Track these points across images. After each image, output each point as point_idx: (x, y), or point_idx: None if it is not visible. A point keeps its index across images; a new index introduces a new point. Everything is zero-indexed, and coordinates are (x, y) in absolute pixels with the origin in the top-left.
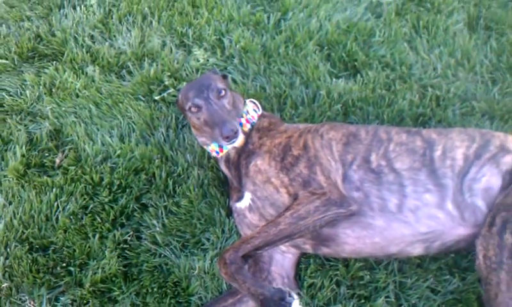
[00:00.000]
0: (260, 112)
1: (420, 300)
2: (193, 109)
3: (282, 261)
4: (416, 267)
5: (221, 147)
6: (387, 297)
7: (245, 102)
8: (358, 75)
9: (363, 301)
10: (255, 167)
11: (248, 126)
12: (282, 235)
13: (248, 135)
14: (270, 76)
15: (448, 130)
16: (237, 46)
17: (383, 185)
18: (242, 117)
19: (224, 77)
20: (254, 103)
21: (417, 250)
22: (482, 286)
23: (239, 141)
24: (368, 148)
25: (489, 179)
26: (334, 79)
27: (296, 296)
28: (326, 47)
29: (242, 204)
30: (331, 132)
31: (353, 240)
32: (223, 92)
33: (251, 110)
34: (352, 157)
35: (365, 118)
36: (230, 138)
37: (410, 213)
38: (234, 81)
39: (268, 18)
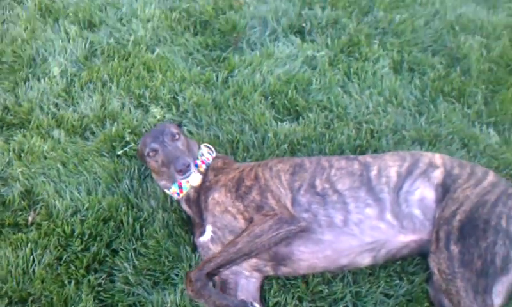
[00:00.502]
0: (214, 154)
1: (375, 306)
2: (151, 154)
3: (247, 285)
4: (369, 276)
5: (180, 188)
6: (345, 306)
7: (200, 146)
8: (300, 118)
9: None
10: (213, 201)
11: (203, 167)
12: (241, 253)
13: (204, 174)
14: (222, 125)
15: (382, 154)
16: (190, 102)
17: (328, 204)
18: (197, 159)
19: (179, 125)
20: (208, 147)
21: (366, 260)
22: (445, 297)
23: (197, 180)
24: (312, 175)
25: (422, 191)
26: (279, 123)
27: (257, 306)
28: (269, 97)
29: (205, 237)
30: (279, 165)
31: (307, 256)
32: (177, 136)
33: (206, 153)
34: (299, 184)
35: (310, 153)
36: (183, 171)
37: (355, 226)
38: (190, 132)
39: (216, 76)
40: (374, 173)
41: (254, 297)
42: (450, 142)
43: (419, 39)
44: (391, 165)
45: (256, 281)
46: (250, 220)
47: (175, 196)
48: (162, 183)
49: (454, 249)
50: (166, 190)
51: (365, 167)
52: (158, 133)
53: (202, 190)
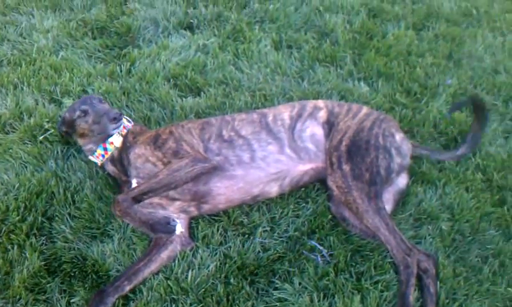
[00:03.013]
0: (132, 123)
1: (289, 225)
2: (81, 114)
3: None
4: (280, 204)
5: (105, 150)
6: (264, 228)
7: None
8: (202, 93)
9: (247, 236)
10: (134, 155)
11: (125, 131)
12: (161, 184)
13: (124, 138)
14: (132, 106)
15: (275, 106)
16: (100, 91)
17: (235, 147)
18: (120, 126)
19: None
20: (126, 118)
21: (274, 189)
22: (344, 209)
23: (119, 142)
24: (219, 128)
25: (312, 129)
26: (184, 99)
27: (178, 221)
28: (171, 79)
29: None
30: (189, 124)
31: (224, 190)
32: (103, 100)
33: (126, 121)
34: (208, 136)
35: None
36: (116, 119)
37: (261, 161)
38: None
39: (120, 68)
40: (270, 118)
41: (184, 233)
42: (330, 96)
43: (292, 22)
44: (283, 111)
45: (185, 221)
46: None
47: (100, 159)
48: (88, 146)
49: (346, 167)
50: (91, 157)
51: (262, 116)
52: (85, 99)
53: (123, 151)
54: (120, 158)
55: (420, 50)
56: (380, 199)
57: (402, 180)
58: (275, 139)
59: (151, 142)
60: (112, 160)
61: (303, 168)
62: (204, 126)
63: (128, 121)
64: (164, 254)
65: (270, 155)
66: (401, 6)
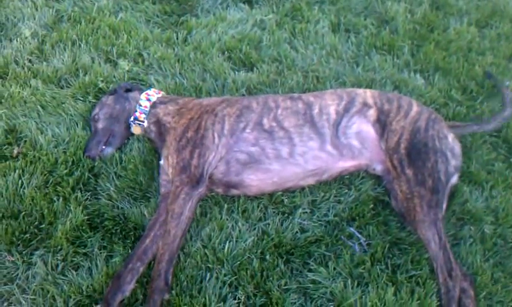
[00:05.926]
0: (152, 101)
1: (329, 209)
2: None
3: None
4: (322, 188)
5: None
6: (304, 210)
7: (140, 96)
8: (255, 68)
9: (286, 215)
10: (166, 142)
11: (142, 116)
12: (178, 236)
13: (160, 119)
14: (185, 75)
15: (322, 92)
16: (155, 56)
17: (275, 140)
18: (136, 111)
19: (128, 90)
20: (149, 93)
21: (310, 182)
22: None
23: (137, 131)
24: (260, 115)
25: (359, 125)
26: (236, 72)
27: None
28: (226, 52)
29: (161, 161)
30: (226, 109)
31: (257, 182)
32: (96, 117)
33: (144, 102)
34: (244, 125)
35: None
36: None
37: (299, 157)
38: (157, 81)
39: (177, 36)
40: (316, 111)
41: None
42: (383, 85)
43: (352, 6)
44: (330, 104)
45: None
46: (172, 181)
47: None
48: None
49: (409, 172)
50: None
51: (308, 107)
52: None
53: (164, 131)
54: (160, 133)
55: (481, 47)
56: (440, 208)
57: (451, 180)
58: (317, 134)
59: (178, 136)
60: (156, 122)
61: (343, 165)
62: (243, 112)
63: (147, 99)
64: None
65: (310, 152)
66: (466, 0)
